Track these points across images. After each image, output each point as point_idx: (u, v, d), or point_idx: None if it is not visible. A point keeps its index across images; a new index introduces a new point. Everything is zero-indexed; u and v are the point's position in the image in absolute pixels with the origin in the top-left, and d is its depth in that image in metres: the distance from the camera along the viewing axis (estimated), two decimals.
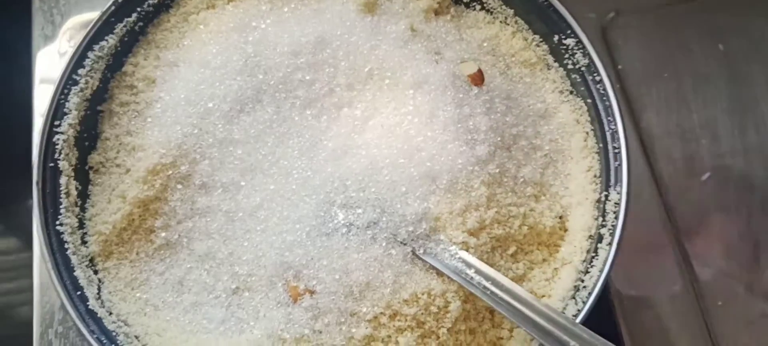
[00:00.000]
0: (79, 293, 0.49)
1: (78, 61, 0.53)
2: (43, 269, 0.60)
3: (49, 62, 0.66)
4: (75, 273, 0.50)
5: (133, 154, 0.54)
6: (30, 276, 0.60)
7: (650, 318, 0.63)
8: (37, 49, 0.67)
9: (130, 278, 0.53)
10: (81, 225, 0.52)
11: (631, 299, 0.63)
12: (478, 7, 0.61)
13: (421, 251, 0.50)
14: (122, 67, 0.57)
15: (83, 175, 0.54)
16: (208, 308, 0.52)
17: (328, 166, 0.53)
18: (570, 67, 0.57)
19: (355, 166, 0.52)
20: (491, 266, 0.50)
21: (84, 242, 0.52)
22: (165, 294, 0.52)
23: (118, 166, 0.55)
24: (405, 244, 0.50)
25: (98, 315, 0.49)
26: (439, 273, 0.50)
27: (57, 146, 0.51)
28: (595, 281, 0.50)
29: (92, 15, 0.68)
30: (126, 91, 0.56)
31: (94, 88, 0.54)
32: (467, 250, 0.50)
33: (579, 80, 0.56)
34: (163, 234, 0.53)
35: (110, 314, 0.50)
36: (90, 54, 0.54)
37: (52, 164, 0.51)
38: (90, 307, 0.49)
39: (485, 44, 0.59)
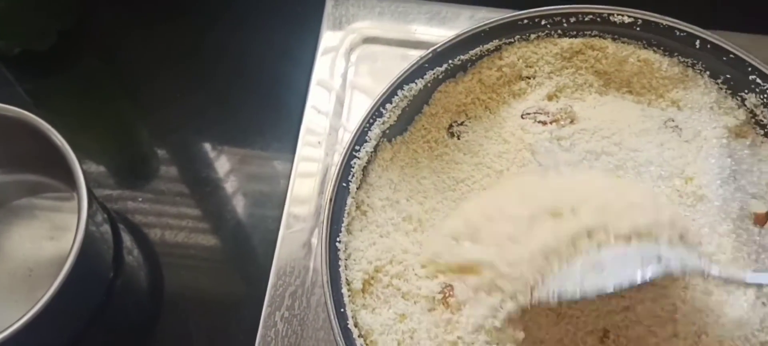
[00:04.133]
0: (341, 309, 0.53)
1: (389, 96, 0.56)
2: (280, 257, 0.65)
3: (328, 65, 0.71)
4: (342, 290, 0.53)
5: (387, 210, 0.57)
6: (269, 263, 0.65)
7: None
8: (320, 51, 0.71)
9: (370, 325, 0.54)
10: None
11: None
12: None
13: None
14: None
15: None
16: None
17: None
18: None
19: None
20: None
21: (346, 267, 0.55)
22: None
23: (365, 214, 0.57)
24: None
25: (353, 335, 0.52)
26: None
27: (352, 169, 0.55)
28: None
29: (376, 25, 0.73)
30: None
31: (390, 126, 0.58)
32: None
33: None
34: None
35: (360, 336, 0.54)
36: (399, 92, 0.57)
37: (344, 184, 0.55)
38: (347, 325, 0.52)
39: None
